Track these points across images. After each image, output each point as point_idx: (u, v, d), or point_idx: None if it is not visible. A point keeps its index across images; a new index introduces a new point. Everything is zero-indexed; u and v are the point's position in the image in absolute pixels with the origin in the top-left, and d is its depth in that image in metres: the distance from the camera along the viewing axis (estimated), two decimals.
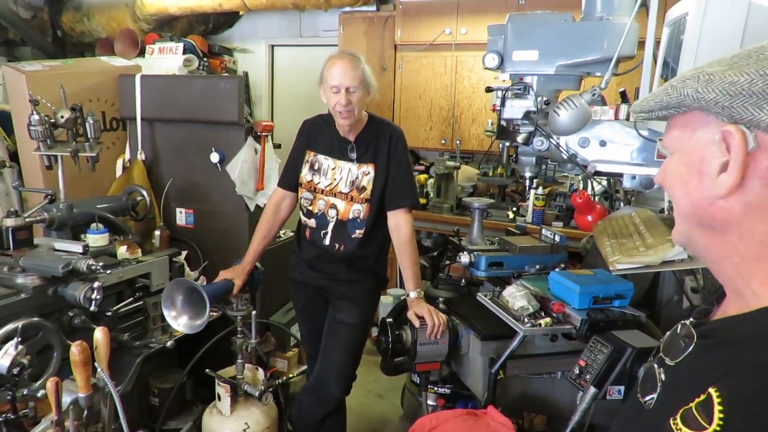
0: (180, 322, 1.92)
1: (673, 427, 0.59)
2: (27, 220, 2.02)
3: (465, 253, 2.07)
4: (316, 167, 2.15)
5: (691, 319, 0.71)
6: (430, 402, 2.31)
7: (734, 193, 0.61)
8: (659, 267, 1.57)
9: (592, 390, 1.45)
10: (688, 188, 0.66)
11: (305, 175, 2.17)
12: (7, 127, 3.16)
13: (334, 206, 2.13)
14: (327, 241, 2.14)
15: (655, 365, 0.72)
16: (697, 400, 0.57)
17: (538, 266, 2.02)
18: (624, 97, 2.09)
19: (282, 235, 3.10)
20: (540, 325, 1.65)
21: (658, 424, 0.62)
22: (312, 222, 2.17)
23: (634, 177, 1.75)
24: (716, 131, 0.62)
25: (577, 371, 1.52)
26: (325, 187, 2.13)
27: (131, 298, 2.24)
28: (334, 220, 2.13)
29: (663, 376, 0.69)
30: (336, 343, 2.16)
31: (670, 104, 0.66)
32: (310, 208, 2.17)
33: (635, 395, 0.74)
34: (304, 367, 2.61)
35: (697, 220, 0.67)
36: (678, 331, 0.71)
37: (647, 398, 0.70)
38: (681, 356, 0.68)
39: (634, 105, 0.75)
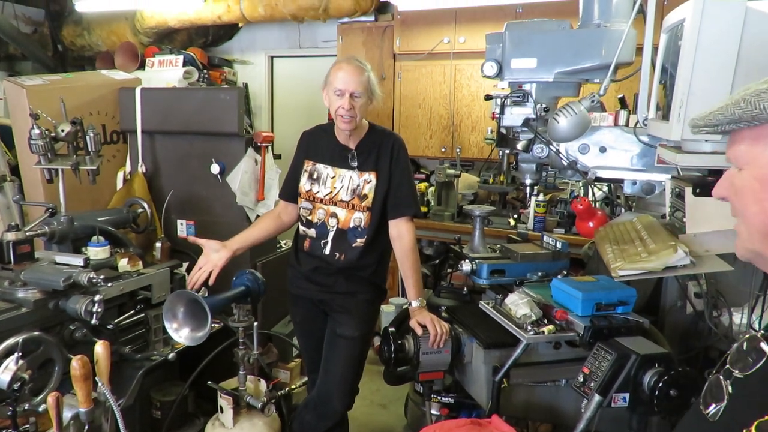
0: (182, 334, 1.91)
1: None
2: (28, 233, 2.02)
3: (466, 261, 2.06)
4: (314, 176, 2.15)
5: (762, 332, 0.70)
6: (433, 411, 2.29)
7: None
8: (662, 273, 1.56)
9: (597, 398, 1.44)
10: (764, 204, 0.64)
11: (304, 184, 2.16)
12: (8, 141, 3.17)
13: (334, 215, 2.12)
14: (327, 251, 2.13)
15: (721, 377, 0.71)
16: None
17: (540, 273, 2.01)
18: (623, 103, 2.10)
19: (283, 245, 3.10)
20: (543, 332, 1.64)
21: None
22: (312, 232, 2.16)
23: (634, 183, 1.75)
24: None
25: (581, 379, 1.51)
26: (324, 196, 2.13)
27: (132, 311, 2.23)
28: (335, 229, 2.12)
29: (730, 389, 0.69)
30: (337, 357, 2.14)
31: (742, 118, 0.65)
32: (310, 217, 2.16)
33: (697, 406, 0.73)
34: (307, 378, 2.59)
35: None
36: (746, 344, 0.70)
37: (711, 408, 0.70)
38: (751, 370, 0.67)
39: (695, 119, 0.72)
